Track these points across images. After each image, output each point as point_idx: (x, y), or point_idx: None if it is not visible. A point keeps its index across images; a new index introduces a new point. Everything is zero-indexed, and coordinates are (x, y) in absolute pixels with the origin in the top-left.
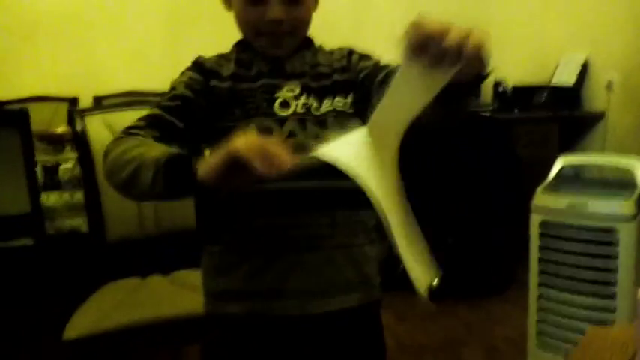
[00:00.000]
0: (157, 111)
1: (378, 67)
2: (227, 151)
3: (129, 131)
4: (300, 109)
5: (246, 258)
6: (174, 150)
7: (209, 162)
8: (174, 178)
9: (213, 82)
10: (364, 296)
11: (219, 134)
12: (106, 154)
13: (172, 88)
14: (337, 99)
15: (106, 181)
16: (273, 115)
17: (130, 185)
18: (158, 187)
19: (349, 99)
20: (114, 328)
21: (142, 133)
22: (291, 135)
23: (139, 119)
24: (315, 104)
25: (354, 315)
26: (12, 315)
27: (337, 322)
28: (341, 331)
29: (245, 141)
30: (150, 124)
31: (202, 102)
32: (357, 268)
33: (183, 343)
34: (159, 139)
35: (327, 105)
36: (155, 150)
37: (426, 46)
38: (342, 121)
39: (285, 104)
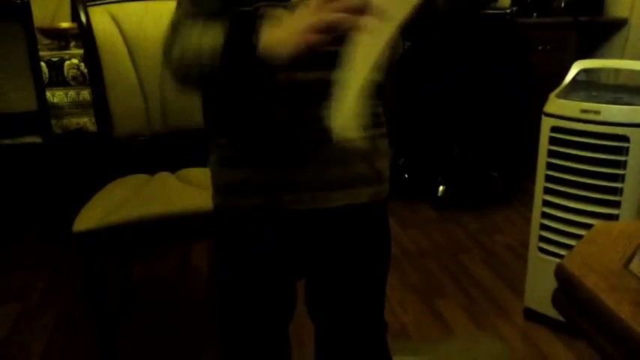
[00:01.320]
0: None
1: None
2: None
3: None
4: None
5: (255, 151)
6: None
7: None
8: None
9: None
10: (375, 191)
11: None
12: (166, 54)
13: None
14: None
15: (180, 84)
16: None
17: (202, 80)
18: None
19: None
20: (122, 222)
21: (190, 21)
22: None
23: (177, 7)
24: None
25: (364, 210)
26: (22, 210)
27: (347, 217)
28: (350, 225)
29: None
30: (193, 7)
31: None
32: (369, 162)
33: (191, 239)
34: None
35: None
36: (208, 37)
37: None
38: None
39: None
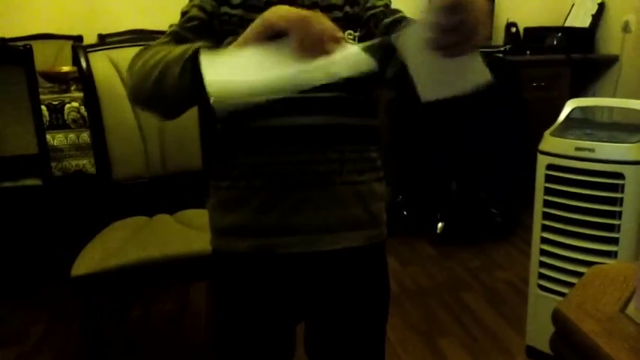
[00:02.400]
0: (175, 29)
1: (387, 10)
2: (262, 22)
3: (150, 44)
4: None
5: (254, 194)
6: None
7: (241, 37)
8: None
9: (224, 9)
10: (371, 235)
11: None
12: (130, 68)
13: (185, 12)
14: (348, 32)
15: (134, 104)
16: None
17: (158, 90)
18: (186, 76)
19: (358, 33)
20: (121, 266)
21: (165, 46)
22: None
23: (159, 39)
24: None
25: (360, 254)
26: (20, 253)
27: (344, 261)
28: (347, 269)
29: (283, 11)
30: (170, 40)
31: (214, 26)
32: (365, 205)
33: (189, 280)
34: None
35: None
36: (178, 48)
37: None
38: None
39: None
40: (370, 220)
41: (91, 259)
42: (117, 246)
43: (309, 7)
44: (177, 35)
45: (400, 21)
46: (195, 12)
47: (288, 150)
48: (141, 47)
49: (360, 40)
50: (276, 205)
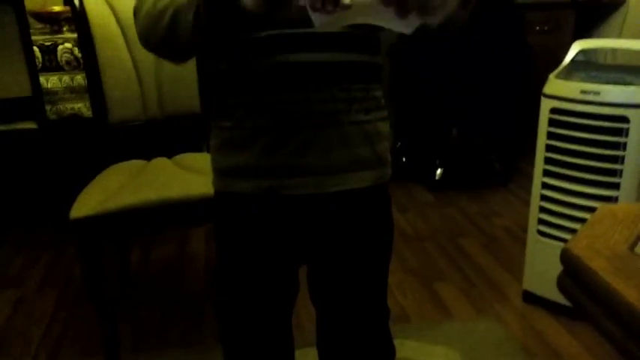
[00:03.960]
0: None
1: None
2: None
3: None
4: None
5: (259, 133)
6: None
7: None
8: (216, 9)
9: None
10: (378, 175)
11: None
12: (135, 13)
13: None
14: None
15: (144, 47)
16: None
17: (171, 37)
18: (201, 23)
19: None
20: (119, 209)
21: None
22: None
23: None
24: None
25: (367, 194)
26: (18, 196)
27: (350, 202)
28: (353, 210)
29: None
30: None
31: None
32: (372, 145)
33: (189, 224)
34: None
35: None
36: None
37: None
38: None
39: None
40: (377, 160)
41: (89, 202)
42: (115, 189)
43: None
44: None
45: None
46: None
47: (293, 88)
48: None
49: None
50: (282, 145)
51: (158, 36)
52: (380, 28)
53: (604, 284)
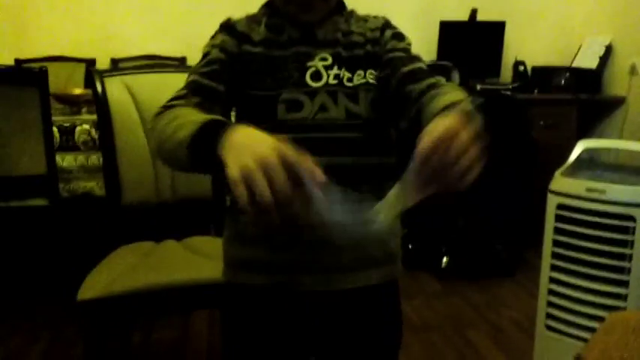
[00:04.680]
0: (194, 77)
1: (406, 57)
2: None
3: (171, 102)
4: (332, 81)
5: (275, 230)
6: (204, 119)
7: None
8: (201, 157)
9: (246, 47)
10: (388, 272)
11: (250, 102)
12: (151, 129)
13: (206, 53)
14: (369, 71)
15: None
16: (305, 85)
17: (173, 162)
18: (191, 165)
19: (378, 72)
20: (127, 291)
21: (183, 102)
22: (322, 108)
23: (179, 89)
24: (347, 75)
25: (376, 291)
26: (26, 274)
27: (359, 298)
28: (362, 306)
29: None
30: (191, 90)
31: (237, 66)
32: (383, 244)
33: (195, 308)
34: (201, 105)
35: (359, 77)
36: (187, 126)
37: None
38: (372, 96)
39: (317, 75)
40: (387, 257)
41: (96, 284)
42: (123, 271)
43: (330, 45)
44: (195, 85)
45: (417, 73)
46: (215, 54)
47: None
48: (158, 111)
49: (379, 80)
50: (295, 243)
51: (165, 159)
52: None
53: None
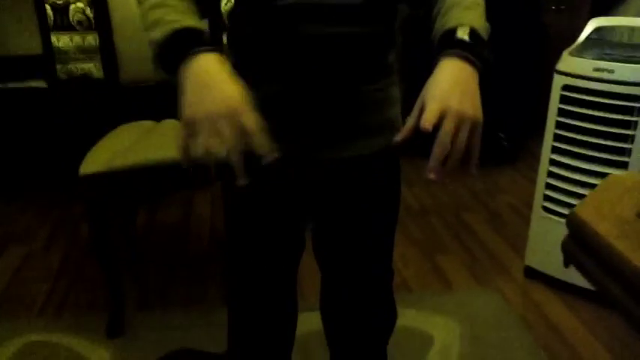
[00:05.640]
0: None
1: None
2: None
3: None
4: None
5: (273, 98)
6: (177, 27)
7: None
8: (164, 71)
9: None
10: (387, 141)
11: None
12: (139, 4)
13: None
14: None
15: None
16: None
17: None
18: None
19: None
20: (128, 166)
21: None
22: None
23: None
24: None
25: (376, 158)
26: (26, 154)
27: (359, 166)
28: (362, 174)
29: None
30: None
31: None
32: (382, 112)
33: (196, 185)
34: None
35: None
36: (161, 27)
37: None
38: None
39: None
40: (387, 125)
41: (98, 160)
42: (124, 148)
43: None
44: None
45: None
46: None
47: (307, 57)
48: None
49: None
50: (295, 111)
51: None
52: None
53: (609, 248)
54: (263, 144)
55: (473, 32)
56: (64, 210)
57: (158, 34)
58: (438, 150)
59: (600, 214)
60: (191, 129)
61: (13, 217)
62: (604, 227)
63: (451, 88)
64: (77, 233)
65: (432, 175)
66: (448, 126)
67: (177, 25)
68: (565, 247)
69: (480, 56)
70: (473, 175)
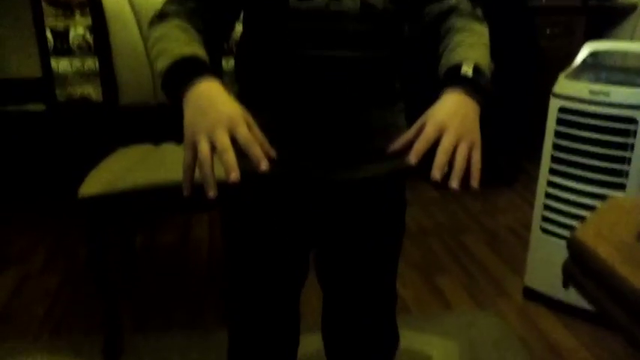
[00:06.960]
0: None
1: None
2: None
3: (165, 8)
4: None
5: (277, 120)
6: (178, 55)
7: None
8: (169, 97)
9: None
10: (392, 165)
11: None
12: (146, 41)
13: None
14: None
15: None
16: None
17: None
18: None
19: None
20: (128, 189)
21: (176, 8)
22: None
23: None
24: None
25: (380, 183)
26: (25, 177)
27: (363, 190)
28: (367, 198)
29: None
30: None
31: None
32: (388, 137)
33: (195, 208)
34: (196, 12)
35: None
36: (165, 57)
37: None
38: None
39: None
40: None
41: (98, 182)
42: (124, 170)
43: None
44: None
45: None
46: None
47: (313, 80)
48: (152, 19)
49: None
50: (299, 132)
51: None
52: (405, 20)
53: (610, 271)
54: (257, 153)
55: (477, 68)
56: (62, 232)
57: (161, 64)
58: (440, 157)
59: (600, 237)
60: (192, 147)
61: (11, 238)
62: (604, 250)
63: (452, 113)
64: (75, 255)
65: (437, 175)
66: (447, 140)
67: (177, 55)
68: (566, 269)
69: (483, 91)
70: (475, 189)
